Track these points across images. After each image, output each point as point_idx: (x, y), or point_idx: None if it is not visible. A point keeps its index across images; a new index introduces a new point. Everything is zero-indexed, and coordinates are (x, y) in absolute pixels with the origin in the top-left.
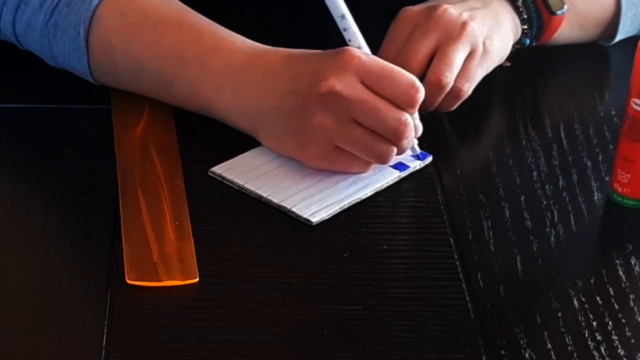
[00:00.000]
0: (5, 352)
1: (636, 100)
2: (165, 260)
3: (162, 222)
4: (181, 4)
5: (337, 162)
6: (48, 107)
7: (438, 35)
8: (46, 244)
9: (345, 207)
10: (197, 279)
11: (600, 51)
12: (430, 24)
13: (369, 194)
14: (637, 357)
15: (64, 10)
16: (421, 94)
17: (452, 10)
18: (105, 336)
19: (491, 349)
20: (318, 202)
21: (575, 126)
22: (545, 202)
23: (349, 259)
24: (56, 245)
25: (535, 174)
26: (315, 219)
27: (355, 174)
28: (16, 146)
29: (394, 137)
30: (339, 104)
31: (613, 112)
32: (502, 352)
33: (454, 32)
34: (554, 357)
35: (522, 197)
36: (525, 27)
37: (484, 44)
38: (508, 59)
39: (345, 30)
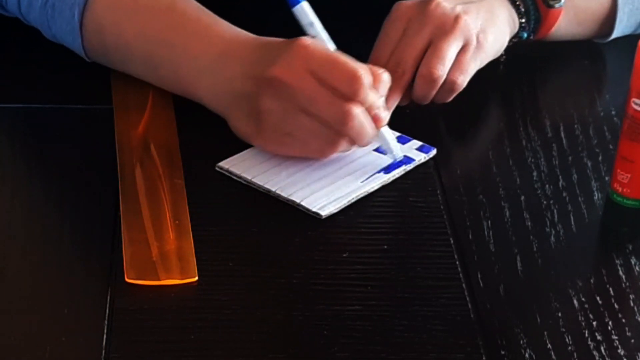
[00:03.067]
0: (6, 352)
1: (636, 100)
2: (165, 259)
3: (162, 221)
4: None
5: (291, 147)
6: (48, 107)
7: (431, 30)
8: (46, 243)
9: (353, 200)
10: (196, 278)
11: (600, 51)
12: (424, 18)
13: (376, 187)
14: (637, 357)
15: None
16: (363, 84)
17: (446, 4)
18: (105, 336)
19: (491, 349)
20: (326, 195)
21: (575, 126)
22: (545, 202)
23: (349, 259)
24: (56, 245)
25: (535, 174)
26: (324, 213)
27: (315, 158)
28: (16, 146)
29: (338, 126)
30: (284, 90)
31: (613, 112)
32: (502, 352)
33: (446, 26)
34: (554, 357)
35: (522, 197)
36: (523, 20)
37: (477, 37)
38: (506, 52)
39: (314, 37)
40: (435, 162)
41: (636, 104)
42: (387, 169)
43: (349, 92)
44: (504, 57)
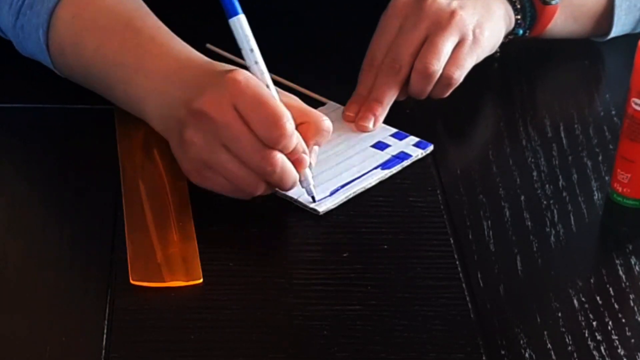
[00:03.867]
0: (6, 352)
1: (636, 100)
2: (169, 261)
3: (165, 223)
4: (138, 2)
5: (210, 180)
6: (48, 107)
7: (427, 25)
8: (46, 244)
9: (350, 196)
10: (201, 280)
11: (600, 51)
12: (420, 14)
13: (373, 183)
14: (637, 357)
15: (27, 12)
16: (284, 134)
17: (442, 0)
18: (105, 336)
19: (491, 349)
20: (323, 192)
21: (575, 126)
22: (545, 202)
23: (349, 259)
24: (56, 246)
25: (535, 174)
26: (321, 209)
27: (235, 197)
28: (16, 146)
29: (259, 172)
30: (208, 124)
31: (613, 112)
32: (502, 352)
33: (442, 21)
34: (554, 357)
35: (522, 197)
36: (519, 17)
37: (474, 32)
38: (502, 49)
39: (255, 63)
40: (435, 162)
41: (636, 103)
42: (385, 165)
43: (270, 139)
44: (499, 53)
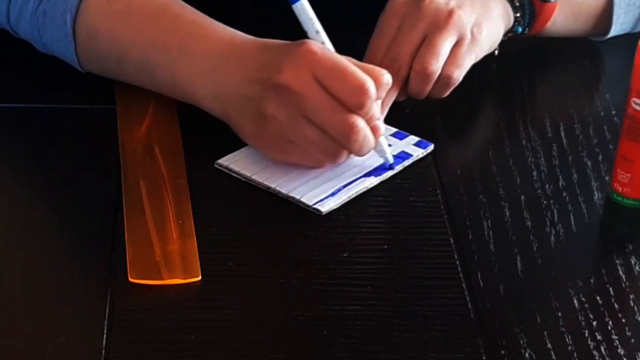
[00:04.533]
0: (5, 352)
1: (636, 100)
2: (168, 259)
3: (165, 220)
4: None
5: (291, 154)
6: (48, 107)
7: (425, 25)
8: (46, 243)
9: (353, 196)
10: (200, 278)
11: (600, 51)
12: (418, 14)
13: (375, 183)
14: (637, 357)
15: None
16: (370, 98)
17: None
18: (105, 336)
19: (491, 349)
20: (326, 191)
21: (575, 126)
22: (545, 202)
23: (349, 259)
24: (56, 245)
25: (535, 174)
26: (324, 209)
27: (312, 168)
28: (16, 146)
29: (341, 139)
30: (290, 97)
31: (613, 112)
32: (502, 352)
33: (440, 21)
34: (554, 357)
35: (522, 197)
36: (518, 14)
37: (472, 31)
38: (501, 47)
39: (322, 44)
40: (435, 162)
41: (636, 103)
42: (386, 165)
43: (355, 105)
44: (497, 51)
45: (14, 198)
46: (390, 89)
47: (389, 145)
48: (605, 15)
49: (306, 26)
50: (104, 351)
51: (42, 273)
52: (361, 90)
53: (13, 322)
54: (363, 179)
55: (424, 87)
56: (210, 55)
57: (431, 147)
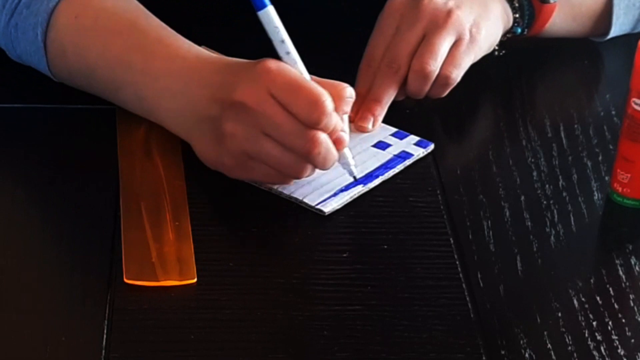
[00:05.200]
0: (5, 352)
1: (636, 100)
2: (164, 261)
3: (162, 222)
4: (138, 5)
5: (253, 171)
6: (48, 107)
7: (424, 25)
8: (46, 243)
9: (355, 196)
10: (195, 280)
11: (600, 51)
12: (416, 14)
13: (377, 183)
14: (637, 357)
15: (23, 11)
16: (325, 113)
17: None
18: (105, 336)
19: (491, 349)
20: (328, 192)
21: (575, 126)
22: (545, 202)
23: (349, 259)
24: (56, 245)
25: (535, 174)
26: (327, 209)
27: (278, 184)
28: (16, 146)
29: (302, 153)
30: (247, 115)
31: (613, 112)
32: (502, 352)
33: (439, 21)
34: (554, 357)
35: (522, 197)
36: (517, 15)
37: (470, 31)
38: (501, 48)
39: (287, 54)
40: (435, 162)
41: (636, 103)
42: (387, 165)
43: (311, 120)
44: (497, 51)
45: (13, 198)
46: (389, 89)
47: (389, 145)
48: (605, 16)
49: (272, 35)
50: (104, 351)
51: (42, 273)
52: (316, 105)
53: (13, 322)
54: (366, 178)
55: (423, 86)
56: (172, 75)
57: (431, 146)
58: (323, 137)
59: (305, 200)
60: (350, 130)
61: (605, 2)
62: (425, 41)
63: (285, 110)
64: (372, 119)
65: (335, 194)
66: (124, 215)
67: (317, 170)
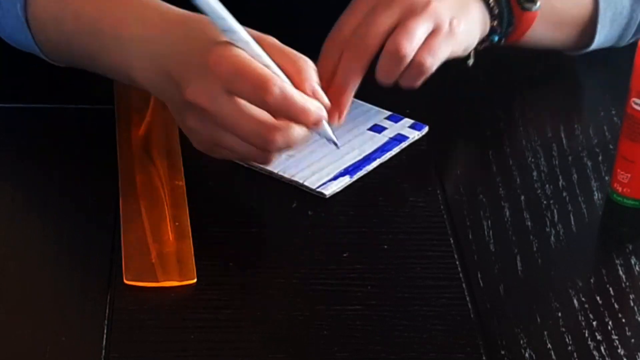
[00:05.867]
0: (6, 352)
1: (636, 100)
2: (164, 261)
3: (161, 222)
4: None
5: (223, 154)
6: (48, 107)
7: (400, 10)
8: (46, 243)
9: (354, 179)
10: (195, 280)
11: (599, 51)
12: (394, 0)
13: (375, 165)
14: (637, 357)
15: None
16: (272, 93)
17: None
18: (105, 336)
19: (491, 349)
20: (328, 175)
21: (575, 126)
22: (545, 202)
23: (349, 259)
24: (56, 245)
25: (535, 174)
26: (327, 192)
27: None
28: (16, 146)
29: (262, 144)
30: (203, 113)
31: (613, 112)
32: (502, 352)
33: (417, 8)
34: (554, 357)
35: (522, 197)
36: (495, 23)
37: (450, 23)
38: (475, 58)
39: (232, 32)
40: (435, 162)
41: (636, 103)
42: (384, 148)
43: (259, 102)
44: (472, 60)
45: (13, 198)
46: (356, 70)
47: (385, 128)
48: (589, 25)
49: (215, 20)
50: (104, 351)
51: (42, 273)
52: (262, 87)
53: (13, 322)
54: (364, 161)
55: (394, 70)
56: (141, 40)
57: (426, 129)
58: (278, 124)
59: (306, 183)
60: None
61: (591, 11)
62: (401, 24)
63: (238, 106)
64: (337, 115)
65: (335, 177)
66: (124, 216)
67: (316, 155)
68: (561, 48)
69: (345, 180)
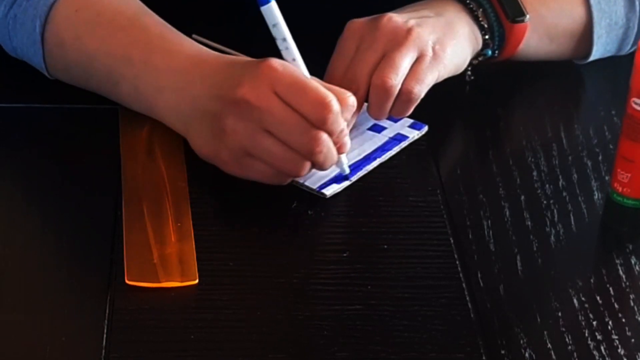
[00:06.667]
0: (5, 352)
1: (636, 100)
2: (165, 262)
3: (163, 223)
4: (139, 3)
5: (250, 169)
6: (48, 107)
7: (384, 43)
8: (46, 244)
9: (354, 180)
10: (197, 281)
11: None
12: (376, 34)
13: (375, 165)
14: (637, 357)
15: (23, 3)
16: (332, 112)
17: (398, 19)
18: (105, 336)
19: (491, 349)
20: (328, 175)
21: (575, 126)
22: (545, 202)
23: (349, 259)
24: (56, 245)
25: (535, 174)
26: (328, 192)
27: (272, 184)
28: (16, 146)
29: (304, 152)
30: (250, 111)
31: (613, 112)
32: (502, 352)
33: (399, 38)
34: (554, 357)
35: (522, 197)
36: (487, 37)
37: (433, 48)
38: (473, 72)
39: (286, 49)
40: (435, 162)
41: (636, 103)
42: (384, 147)
43: (318, 119)
44: (472, 77)
45: (13, 198)
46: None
47: (384, 128)
48: (586, 36)
49: (273, 32)
50: (104, 351)
51: (42, 273)
52: (322, 104)
53: (13, 322)
54: (364, 161)
55: (384, 102)
56: (174, 71)
57: (425, 128)
58: (325, 136)
59: (307, 183)
60: None
61: (585, 22)
62: (386, 57)
63: (289, 107)
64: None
65: (335, 177)
66: (126, 216)
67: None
68: (559, 59)
69: (346, 182)
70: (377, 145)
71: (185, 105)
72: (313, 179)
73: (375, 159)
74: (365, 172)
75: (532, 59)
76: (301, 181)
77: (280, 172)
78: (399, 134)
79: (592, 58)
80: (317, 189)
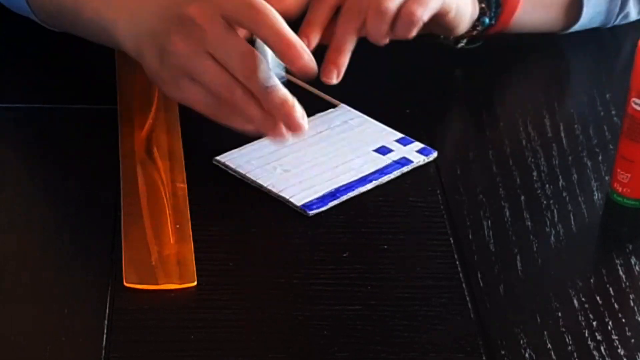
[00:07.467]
0: (5, 352)
1: (636, 100)
2: (164, 264)
3: (162, 225)
4: None
5: (186, 91)
6: (48, 107)
7: None
8: (46, 244)
9: (343, 200)
10: (195, 283)
11: (600, 50)
12: None
13: (370, 187)
14: (637, 357)
15: None
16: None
17: None
18: (105, 336)
19: (491, 349)
20: (316, 193)
21: (575, 126)
22: (545, 202)
23: (349, 259)
24: (56, 245)
25: (535, 174)
26: (311, 212)
27: (210, 117)
28: (16, 146)
29: (241, 77)
30: (193, 31)
31: (613, 112)
32: (502, 352)
33: None
34: (554, 357)
35: (522, 197)
36: (483, 5)
37: None
38: (467, 42)
39: None
40: (435, 162)
41: (636, 103)
42: (383, 171)
43: (253, 25)
44: (462, 41)
45: (14, 198)
46: (351, 32)
47: (391, 150)
48: (575, 2)
49: None
50: (104, 351)
51: (42, 273)
52: (265, 10)
53: (13, 322)
54: (359, 182)
55: (382, 26)
56: None
57: (434, 154)
58: (261, 60)
59: (292, 199)
60: (356, 134)
61: None
62: None
63: (233, 30)
64: (336, 72)
65: (322, 197)
66: (125, 218)
67: (309, 173)
68: (551, 29)
69: (333, 202)
70: (377, 168)
71: (139, 27)
72: (299, 197)
73: (371, 181)
74: (358, 193)
75: (526, 30)
76: (286, 197)
77: (215, 99)
78: (404, 157)
79: (580, 24)
80: (301, 207)
